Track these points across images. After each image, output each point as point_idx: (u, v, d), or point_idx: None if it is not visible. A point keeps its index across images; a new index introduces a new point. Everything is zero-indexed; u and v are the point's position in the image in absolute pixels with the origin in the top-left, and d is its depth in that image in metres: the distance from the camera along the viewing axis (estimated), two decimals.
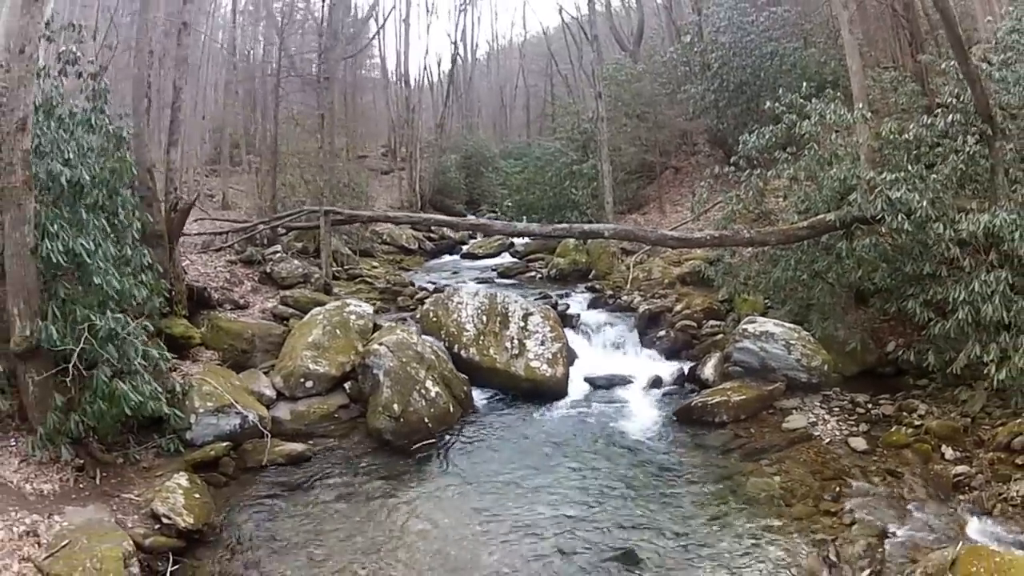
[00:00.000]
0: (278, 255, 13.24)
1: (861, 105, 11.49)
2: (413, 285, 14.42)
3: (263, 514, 6.52)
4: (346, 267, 15.56)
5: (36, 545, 5.56)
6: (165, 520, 6.03)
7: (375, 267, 17.11)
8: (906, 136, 9.59)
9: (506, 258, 20.21)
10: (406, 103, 28.96)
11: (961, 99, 9.38)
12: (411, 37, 47.84)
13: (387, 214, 17.44)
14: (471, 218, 20.98)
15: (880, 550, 5.35)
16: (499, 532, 6.14)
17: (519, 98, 52.21)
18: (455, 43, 37.95)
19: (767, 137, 10.25)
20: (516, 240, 20.82)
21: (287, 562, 5.76)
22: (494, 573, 5.56)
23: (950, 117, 9.24)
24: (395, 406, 7.95)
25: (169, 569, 5.60)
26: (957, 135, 9.19)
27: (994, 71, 9.55)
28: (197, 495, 6.50)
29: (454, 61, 36.96)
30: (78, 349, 6.25)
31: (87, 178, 7.22)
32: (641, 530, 5.96)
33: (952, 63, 9.63)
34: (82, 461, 6.80)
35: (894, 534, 5.74)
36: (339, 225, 14.37)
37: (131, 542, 5.61)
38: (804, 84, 17.18)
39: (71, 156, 7.33)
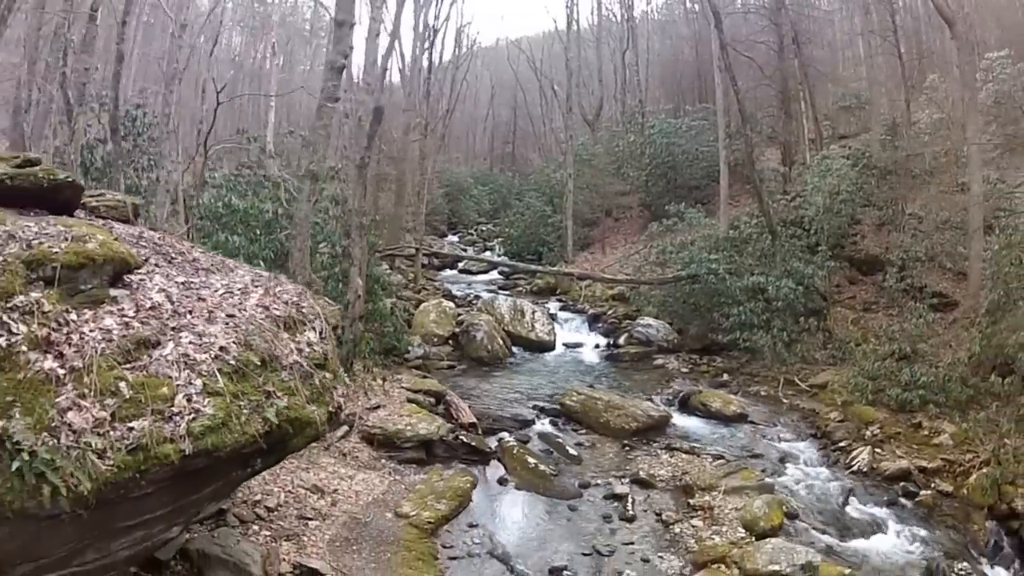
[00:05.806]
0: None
1: (722, 209, 21.90)
2: (455, 294, 23.85)
3: (447, 382, 15.83)
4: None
5: (397, 384, 14.54)
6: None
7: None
8: (727, 234, 19.82)
9: (494, 275, 28.92)
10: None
11: (757, 216, 19.76)
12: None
13: (467, 255, 27.15)
14: (509, 262, 29.57)
15: (679, 395, 15.17)
16: (531, 386, 15.72)
17: (487, 129, 61.90)
18: (449, 95, 46.73)
19: (659, 228, 20.34)
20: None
21: (464, 392, 14.88)
22: (533, 389, 15.35)
23: (748, 230, 19.54)
24: (487, 346, 17.54)
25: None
26: (760, 235, 19.39)
27: (797, 197, 19.92)
28: (423, 377, 15.75)
29: (449, 111, 45.74)
30: (392, 313, 15.46)
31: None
32: (592, 385, 15.62)
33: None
34: (373, 364, 15.86)
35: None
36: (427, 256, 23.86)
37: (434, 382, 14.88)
38: (710, 170, 27.23)
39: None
